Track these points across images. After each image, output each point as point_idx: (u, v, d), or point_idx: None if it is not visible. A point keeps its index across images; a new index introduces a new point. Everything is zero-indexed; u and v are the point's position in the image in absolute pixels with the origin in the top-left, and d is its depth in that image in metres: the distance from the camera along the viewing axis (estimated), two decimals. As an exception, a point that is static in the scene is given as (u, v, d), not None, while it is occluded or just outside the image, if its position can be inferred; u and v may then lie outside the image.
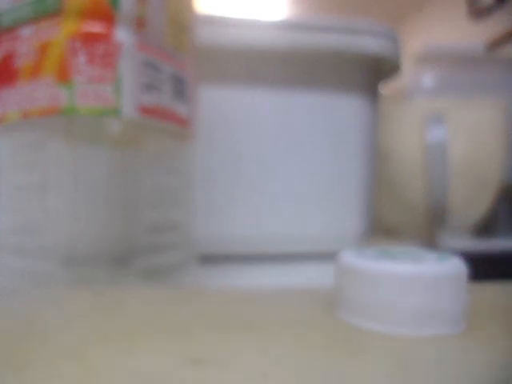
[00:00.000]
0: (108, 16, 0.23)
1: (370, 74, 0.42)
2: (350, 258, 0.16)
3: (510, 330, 0.16)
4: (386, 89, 0.49)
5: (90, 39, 0.23)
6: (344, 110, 0.41)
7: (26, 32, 0.23)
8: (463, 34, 0.73)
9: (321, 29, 0.38)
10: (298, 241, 0.40)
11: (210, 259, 0.35)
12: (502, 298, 0.21)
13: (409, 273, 0.15)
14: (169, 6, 0.26)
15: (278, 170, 0.40)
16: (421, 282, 0.15)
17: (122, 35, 0.23)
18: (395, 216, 0.64)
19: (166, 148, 0.27)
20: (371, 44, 0.39)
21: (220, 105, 0.38)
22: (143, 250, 0.25)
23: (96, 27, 0.23)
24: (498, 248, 0.59)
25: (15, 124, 0.24)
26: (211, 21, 0.36)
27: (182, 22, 0.27)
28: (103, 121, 0.23)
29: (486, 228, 0.65)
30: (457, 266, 0.16)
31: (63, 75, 0.22)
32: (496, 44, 0.64)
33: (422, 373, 0.13)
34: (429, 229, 0.62)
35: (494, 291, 0.22)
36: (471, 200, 0.63)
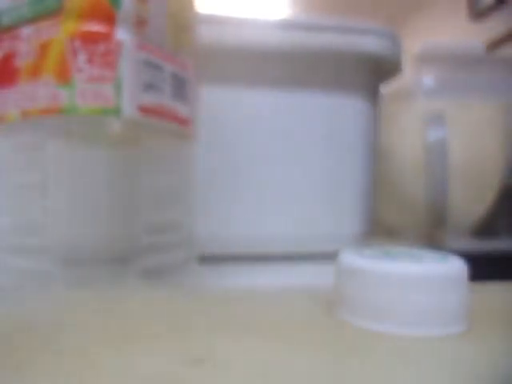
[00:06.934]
0: (108, 16, 0.23)
1: (370, 74, 0.42)
2: (350, 258, 0.16)
3: (511, 329, 0.16)
4: (386, 89, 0.49)
5: (90, 39, 0.22)
6: (344, 109, 0.41)
7: (26, 32, 0.23)
8: (463, 34, 0.73)
9: (321, 29, 0.38)
10: (298, 241, 0.40)
11: (210, 259, 0.35)
12: (502, 298, 0.21)
13: (409, 273, 0.15)
14: (169, 6, 0.26)
15: (278, 170, 0.40)
16: (421, 282, 0.15)
17: (122, 35, 0.23)
18: (395, 216, 0.64)
19: (165, 148, 0.27)
20: (371, 44, 0.39)
21: (220, 105, 0.38)
22: (143, 249, 0.25)
23: (96, 27, 0.23)
24: (498, 248, 0.59)
25: (15, 124, 0.24)
26: (211, 20, 0.36)
27: (183, 21, 0.27)
28: (103, 120, 0.23)
29: (486, 228, 0.65)
30: (457, 266, 0.16)
31: (63, 75, 0.22)
32: (496, 44, 0.64)
33: (423, 372, 0.13)
34: (429, 229, 0.62)
35: (494, 291, 0.22)
36: (471, 200, 0.63)
